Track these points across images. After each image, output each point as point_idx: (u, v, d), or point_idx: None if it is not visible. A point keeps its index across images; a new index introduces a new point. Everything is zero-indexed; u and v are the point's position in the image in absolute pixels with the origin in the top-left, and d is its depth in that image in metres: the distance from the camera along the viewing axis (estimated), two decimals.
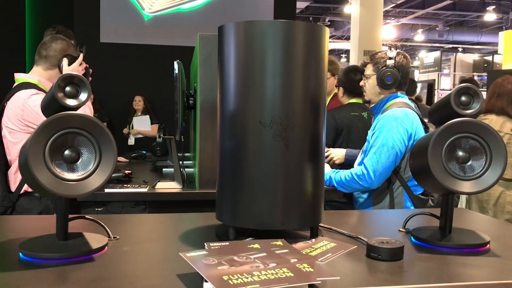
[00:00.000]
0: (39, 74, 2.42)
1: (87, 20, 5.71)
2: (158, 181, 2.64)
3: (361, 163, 2.69)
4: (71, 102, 0.99)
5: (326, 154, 2.81)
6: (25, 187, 2.30)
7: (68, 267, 0.97)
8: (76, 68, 2.48)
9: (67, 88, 0.99)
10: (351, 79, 3.33)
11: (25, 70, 5.27)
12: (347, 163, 2.85)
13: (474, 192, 1.16)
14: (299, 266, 0.87)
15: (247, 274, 0.82)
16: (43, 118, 2.18)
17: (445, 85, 14.28)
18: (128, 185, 2.53)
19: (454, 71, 14.45)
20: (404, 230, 1.31)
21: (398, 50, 2.84)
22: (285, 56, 1.13)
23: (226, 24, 1.20)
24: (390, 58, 2.74)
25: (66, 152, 0.99)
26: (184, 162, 3.13)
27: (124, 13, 5.79)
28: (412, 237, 1.23)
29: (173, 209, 2.52)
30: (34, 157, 0.94)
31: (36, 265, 0.98)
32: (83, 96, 1.00)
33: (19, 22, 5.58)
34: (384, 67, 2.75)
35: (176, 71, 2.64)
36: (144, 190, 2.46)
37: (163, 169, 3.26)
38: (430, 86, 10.56)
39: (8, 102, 2.29)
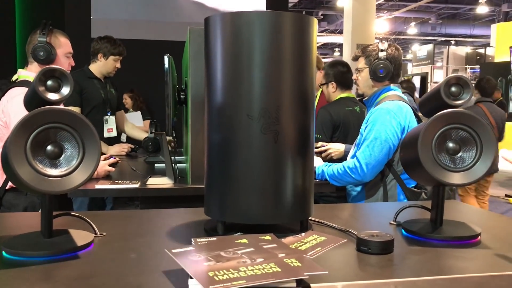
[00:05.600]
0: (36, 71, 2.41)
1: (78, 15, 5.65)
2: (150, 177, 2.62)
3: (354, 156, 2.68)
4: (52, 96, 0.97)
5: (324, 149, 2.80)
6: (12, 183, 2.28)
7: (53, 265, 0.95)
8: (63, 62, 2.45)
9: (49, 82, 0.96)
10: (341, 71, 3.32)
11: (16, 66, 5.22)
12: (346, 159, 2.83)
13: (465, 184, 1.15)
14: (286, 261, 0.86)
15: (233, 270, 0.80)
16: (16, 120, 2.14)
17: (438, 78, 14.30)
18: (119, 181, 2.51)
19: (447, 64, 14.47)
20: (395, 223, 1.30)
21: (389, 42, 2.83)
22: (273, 47, 1.11)
23: (212, 15, 1.18)
24: (382, 51, 2.73)
25: (49, 147, 0.96)
26: (176, 157, 3.11)
27: (115, 8, 5.74)
28: (403, 230, 1.22)
29: (165, 204, 2.50)
30: (15, 153, 0.91)
31: (20, 263, 0.96)
32: (65, 90, 0.98)
33: (10, 17, 5.52)
34: (376, 60, 2.73)
35: (167, 66, 2.61)
36: (136, 186, 2.44)
37: (155, 165, 3.24)
38: (423, 79, 10.57)
39: (3, 97, 2.29)
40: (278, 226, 1.22)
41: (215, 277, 0.77)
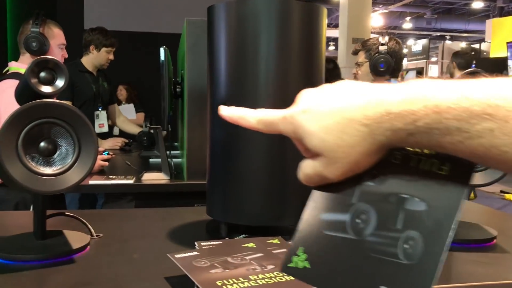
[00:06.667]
0: (28, 62, 2.33)
1: (71, 7, 5.55)
2: (145, 172, 2.56)
3: None
4: (46, 89, 0.90)
5: None
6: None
7: (47, 269, 0.89)
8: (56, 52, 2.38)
9: (42, 74, 0.89)
10: (328, 69, 3.28)
11: (8, 58, 5.11)
12: None
13: (484, 184, 1.09)
14: None
15: (243, 278, 0.74)
16: (9, 113, 2.09)
17: (434, 73, 14.29)
18: (114, 176, 2.44)
19: (442, 59, 14.45)
20: None
21: (390, 36, 2.77)
22: (281, 38, 1.05)
23: (216, 4, 1.11)
24: (382, 44, 2.68)
25: (42, 144, 0.90)
26: (172, 152, 3.05)
27: (108, 0, 5.64)
28: None
29: (161, 201, 2.44)
30: (5, 150, 0.84)
31: (11, 268, 0.89)
32: (59, 82, 0.91)
33: (1, 8, 5.40)
34: (377, 54, 2.69)
35: (163, 58, 2.54)
36: (131, 181, 2.38)
37: (150, 160, 3.17)
38: (419, 74, 10.55)
39: None
40: (283, 227, 1.17)
41: (223, 287, 0.71)
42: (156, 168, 2.69)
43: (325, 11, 1.13)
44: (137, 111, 5.78)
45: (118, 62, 4.99)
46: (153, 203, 2.44)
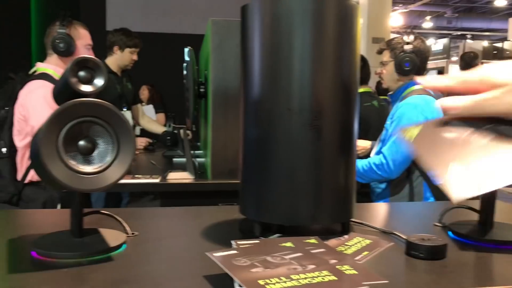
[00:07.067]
0: (55, 63, 2.37)
1: (93, 8, 5.62)
2: (170, 171, 2.58)
3: (379, 152, 2.61)
4: (85, 88, 0.90)
5: None
6: (30, 177, 2.25)
7: (85, 267, 0.89)
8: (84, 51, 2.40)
9: (81, 73, 0.90)
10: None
11: (32, 59, 5.20)
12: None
13: None
14: (340, 268, 0.79)
15: (285, 278, 0.74)
16: (37, 113, 2.09)
17: (455, 73, 14.03)
18: (140, 176, 2.46)
19: None
20: (440, 225, 1.22)
21: (415, 35, 2.74)
22: (315, 36, 1.04)
23: (249, 3, 1.11)
24: (407, 43, 2.65)
25: (81, 142, 0.90)
26: (194, 152, 3.06)
27: (130, 1, 5.69)
28: (450, 232, 1.15)
29: (185, 200, 2.46)
30: (46, 148, 0.85)
31: (51, 265, 0.90)
32: (98, 81, 0.91)
33: (25, 10, 5.50)
34: (402, 53, 2.66)
35: (187, 58, 2.55)
36: (157, 180, 2.40)
37: (173, 159, 3.19)
38: (440, 74, 10.40)
39: (22, 90, 2.26)
40: (317, 227, 1.16)
41: (266, 286, 0.71)
42: (180, 168, 2.71)
43: (359, 8, 1.12)
44: (157, 112, 5.82)
45: (139, 63, 5.04)
46: (178, 202, 2.46)
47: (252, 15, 1.09)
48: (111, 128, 0.91)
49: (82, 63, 0.90)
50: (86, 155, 0.91)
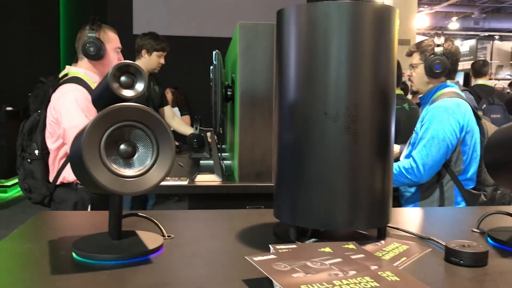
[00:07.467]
0: (86, 67, 2.41)
1: (120, 12, 5.70)
2: (197, 174, 2.59)
3: (408, 156, 2.57)
4: (127, 93, 0.92)
5: None
6: (62, 178, 2.29)
7: (125, 270, 0.91)
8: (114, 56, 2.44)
9: (123, 78, 0.92)
10: None
11: (60, 63, 5.31)
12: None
13: None
14: (382, 275, 0.78)
15: (327, 283, 0.74)
16: (69, 116, 2.11)
17: None
18: (168, 178, 2.49)
19: (491, 60, 13.94)
20: (478, 231, 1.20)
21: (445, 37, 2.70)
22: (353, 40, 1.04)
23: (286, 7, 1.11)
24: (438, 45, 2.61)
25: (122, 146, 0.92)
26: (221, 154, 3.07)
27: (157, 4, 5.76)
28: (489, 239, 1.13)
29: (213, 202, 2.47)
30: (89, 152, 0.87)
31: (91, 267, 0.92)
32: (139, 86, 0.93)
33: (54, 15, 5.62)
34: (432, 55, 2.62)
35: (215, 62, 2.57)
36: (185, 183, 2.42)
37: (201, 161, 3.21)
38: (466, 76, 10.21)
39: (54, 93, 2.30)
40: (352, 232, 1.15)
41: None
42: (208, 170, 2.72)
43: (397, 12, 1.11)
44: (182, 114, 5.87)
45: (164, 66, 5.09)
46: (206, 204, 2.47)
47: (288, 20, 1.10)
48: (151, 132, 0.92)
49: (124, 69, 0.92)
50: (127, 159, 0.92)
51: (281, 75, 1.12)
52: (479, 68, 5.10)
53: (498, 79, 11.23)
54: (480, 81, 4.99)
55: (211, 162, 2.78)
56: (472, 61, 5.46)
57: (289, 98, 1.09)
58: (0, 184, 6.17)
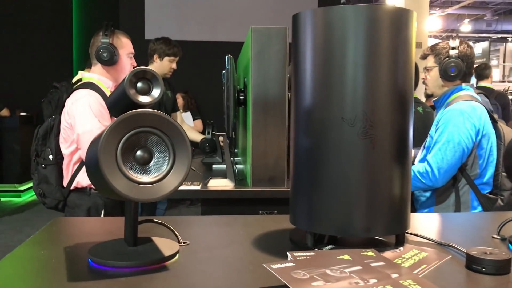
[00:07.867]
0: (99, 72, 2.42)
1: (132, 17, 5.74)
2: (210, 178, 2.59)
3: (423, 160, 2.55)
4: (143, 99, 0.91)
5: None
6: (76, 183, 2.30)
7: (142, 277, 0.90)
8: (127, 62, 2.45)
9: (139, 84, 0.91)
10: None
11: (73, 68, 5.35)
12: None
13: None
14: (403, 283, 0.77)
15: None
16: (82, 121, 2.12)
17: (495, 77, 13.66)
18: None
19: (504, 62, 13.78)
20: (498, 237, 1.17)
21: (460, 39, 2.67)
22: (370, 44, 1.02)
23: (302, 11, 1.10)
24: (453, 48, 2.58)
25: (138, 153, 0.91)
26: (234, 158, 3.06)
27: (168, 10, 5.79)
28: (510, 246, 1.10)
29: (225, 206, 2.46)
30: (106, 158, 0.87)
31: (108, 274, 0.91)
32: (155, 92, 0.92)
33: (66, 21, 5.68)
34: (447, 58, 2.59)
35: (227, 66, 2.56)
36: (198, 187, 2.41)
37: (213, 166, 3.21)
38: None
39: (68, 99, 2.31)
40: (370, 239, 1.13)
41: None
42: (220, 174, 2.72)
43: (414, 15, 1.09)
44: (194, 119, 5.89)
45: (176, 70, 5.12)
46: (218, 209, 2.47)
47: (304, 24, 1.09)
48: (167, 138, 0.91)
49: (140, 75, 0.91)
50: (143, 165, 0.92)
51: (297, 80, 1.11)
52: (481, 71, 5.31)
53: (511, 81, 11.10)
54: (482, 83, 5.17)
55: (224, 166, 2.78)
56: (476, 66, 5.70)
57: (306, 102, 1.08)
58: (14, 188, 6.24)
